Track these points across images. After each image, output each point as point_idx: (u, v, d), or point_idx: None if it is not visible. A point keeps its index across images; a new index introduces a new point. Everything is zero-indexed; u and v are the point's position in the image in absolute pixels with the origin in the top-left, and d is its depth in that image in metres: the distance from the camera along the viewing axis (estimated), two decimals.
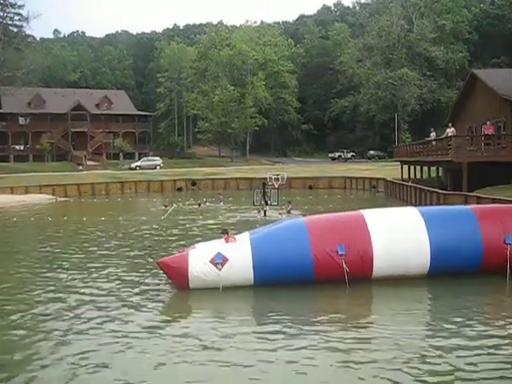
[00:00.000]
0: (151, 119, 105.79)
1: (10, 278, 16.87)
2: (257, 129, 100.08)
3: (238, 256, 14.79)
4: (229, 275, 14.56)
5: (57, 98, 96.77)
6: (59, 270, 17.77)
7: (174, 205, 40.01)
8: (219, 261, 14.59)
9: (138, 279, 16.17)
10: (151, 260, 18.93)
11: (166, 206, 40.30)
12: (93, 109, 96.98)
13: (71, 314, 12.80)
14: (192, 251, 15.30)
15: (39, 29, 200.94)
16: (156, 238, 24.84)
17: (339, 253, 14.68)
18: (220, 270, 14.51)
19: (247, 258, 14.77)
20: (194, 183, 63.63)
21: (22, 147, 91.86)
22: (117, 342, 10.91)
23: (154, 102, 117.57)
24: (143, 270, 17.44)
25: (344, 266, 14.51)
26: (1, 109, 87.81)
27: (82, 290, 14.89)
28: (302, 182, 62.30)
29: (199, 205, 40.42)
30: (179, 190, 61.99)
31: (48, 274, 17.21)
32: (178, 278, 14.76)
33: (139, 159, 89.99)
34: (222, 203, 40.97)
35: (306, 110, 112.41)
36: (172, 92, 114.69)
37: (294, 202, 35.16)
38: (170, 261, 15.11)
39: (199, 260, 14.74)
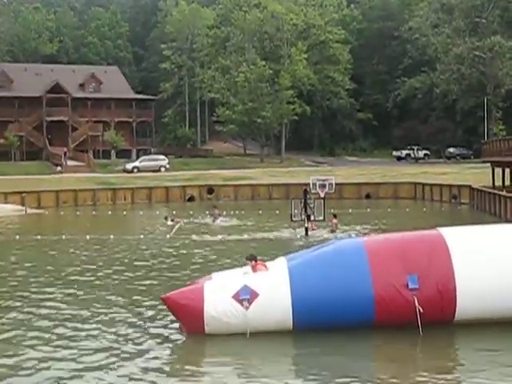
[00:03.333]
0: (154, 105, 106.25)
1: None
2: (296, 118, 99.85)
3: (271, 290, 14.63)
4: (259, 316, 14.40)
5: (28, 77, 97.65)
6: (29, 316, 17.82)
7: (181, 221, 39.95)
8: (246, 297, 14.43)
9: (133, 322, 16.10)
10: (151, 297, 18.87)
11: (166, 219, 40.36)
12: (76, 91, 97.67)
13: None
14: (208, 283, 15.17)
15: None
16: (158, 266, 24.80)
17: (410, 287, 14.46)
18: (247, 308, 14.37)
19: (284, 294, 14.60)
20: (210, 191, 63.70)
21: None
22: None
23: (157, 82, 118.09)
24: (139, 310, 17.38)
25: (416, 304, 14.28)
26: None
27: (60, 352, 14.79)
28: (356, 190, 62.07)
29: (170, 220, 40.16)
30: (191, 199, 62.13)
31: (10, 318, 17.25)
32: (190, 319, 14.63)
33: (137, 158, 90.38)
34: (218, 221, 40.58)
35: (363, 94, 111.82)
36: (181, 69, 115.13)
37: (343, 217, 35.01)
38: (178, 296, 14.97)
39: (218, 295, 14.61)
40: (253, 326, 14.32)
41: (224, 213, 43.30)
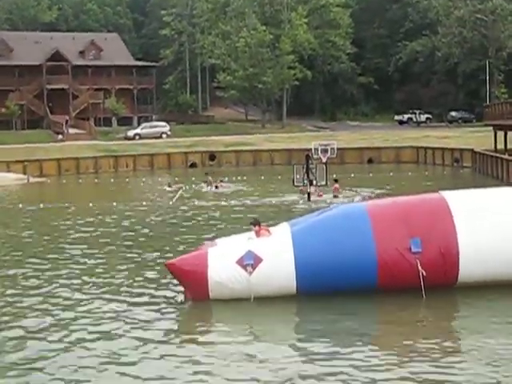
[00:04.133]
0: (154, 72, 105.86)
1: None
2: (297, 83, 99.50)
3: (274, 255, 14.68)
4: (262, 281, 14.47)
5: (27, 45, 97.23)
6: (39, 277, 17.93)
7: (182, 187, 40.06)
8: (249, 262, 14.47)
9: (141, 290, 16.19)
10: (157, 263, 18.97)
11: (170, 187, 40.67)
12: (76, 58, 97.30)
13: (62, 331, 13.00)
14: (212, 249, 15.21)
15: None
16: (162, 232, 24.90)
17: (412, 250, 14.50)
18: (250, 274, 14.45)
19: (287, 259, 14.65)
20: (212, 157, 63.72)
21: None
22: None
23: (157, 49, 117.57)
24: (144, 276, 17.48)
25: (419, 267, 14.33)
26: None
27: (72, 306, 14.92)
28: (358, 155, 62.12)
29: (169, 186, 40.98)
30: (193, 165, 62.19)
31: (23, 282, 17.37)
32: (194, 285, 14.68)
33: (138, 125, 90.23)
34: (210, 187, 40.57)
35: (364, 58, 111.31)
36: (182, 35, 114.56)
37: (345, 182, 35.02)
38: (182, 262, 15.00)
39: (222, 261, 14.65)
40: (256, 291, 14.38)
41: (226, 179, 43.31)
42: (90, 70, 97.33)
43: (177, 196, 35.76)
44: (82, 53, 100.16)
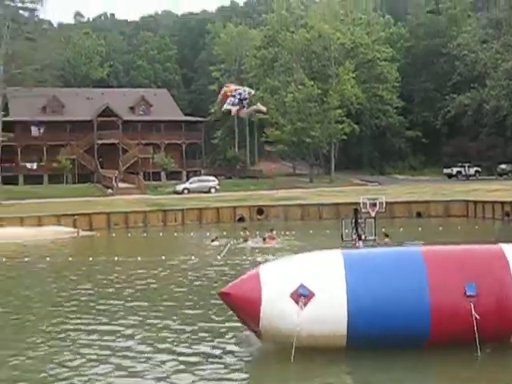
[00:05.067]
0: (203, 127, 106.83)
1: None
2: (345, 137, 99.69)
3: (327, 291, 14.26)
4: (313, 318, 14.03)
5: (79, 101, 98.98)
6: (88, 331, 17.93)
7: (230, 242, 39.99)
8: (303, 295, 14.07)
9: (202, 345, 16.08)
10: (208, 317, 18.86)
11: (213, 241, 40.72)
12: (126, 114, 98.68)
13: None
14: (266, 277, 14.63)
15: (57, 12, 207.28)
16: (211, 287, 24.79)
17: (467, 293, 14.19)
18: (302, 308, 14.00)
19: (340, 295, 14.26)
20: (260, 211, 63.59)
21: (34, 165, 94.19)
22: None
23: (206, 104, 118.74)
24: (198, 334, 17.39)
25: (473, 311, 14.01)
26: (8, 116, 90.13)
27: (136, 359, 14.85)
28: (406, 208, 61.58)
29: (211, 240, 40.96)
30: (241, 220, 62.06)
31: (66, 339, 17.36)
32: (247, 315, 14.41)
33: (187, 180, 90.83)
34: (249, 243, 40.40)
35: (412, 112, 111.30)
36: None
37: (394, 236, 34.67)
38: (236, 291, 14.50)
39: (276, 292, 14.23)
40: (306, 327, 14.07)
41: (274, 232, 43.15)
42: (140, 125, 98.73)
43: (225, 250, 35.65)
44: (132, 108, 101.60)
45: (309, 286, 14.23)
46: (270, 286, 14.36)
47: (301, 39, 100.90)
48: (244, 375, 13.83)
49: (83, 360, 14.82)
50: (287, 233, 45.81)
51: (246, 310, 14.41)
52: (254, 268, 15.96)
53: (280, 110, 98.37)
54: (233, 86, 16.10)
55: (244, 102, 16.12)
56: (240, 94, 15.97)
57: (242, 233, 42.44)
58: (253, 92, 16.67)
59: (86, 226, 55.93)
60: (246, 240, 40.80)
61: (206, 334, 16.74)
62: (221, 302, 15.52)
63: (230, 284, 15.13)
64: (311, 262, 15.24)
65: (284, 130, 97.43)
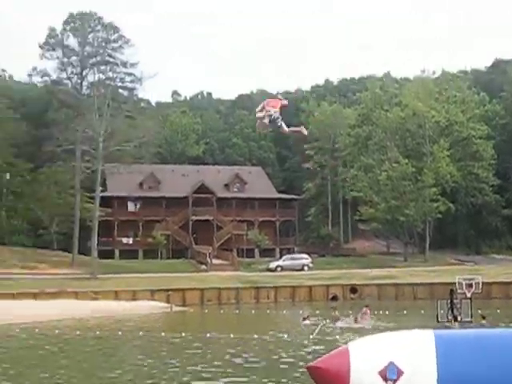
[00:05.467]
0: (297, 204, 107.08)
1: None
2: (439, 216, 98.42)
3: (416, 370, 13.90)
4: None
5: (175, 178, 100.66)
6: None
7: (322, 321, 39.56)
8: (392, 376, 13.81)
9: None
10: None
11: (305, 319, 40.39)
12: (221, 191, 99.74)
13: None
14: (355, 352, 14.34)
15: (155, 91, 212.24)
16: (300, 367, 24.49)
17: None
18: None
19: (430, 373, 13.89)
20: (354, 290, 63.06)
21: (130, 240, 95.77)
22: None
23: (300, 182, 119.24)
24: None
25: None
26: (106, 191, 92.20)
27: None
28: (504, 290, 60.17)
29: (303, 319, 40.51)
30: (334, 299, 61.58)
31: None
32: None
33: (280, 257, 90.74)
34: (338, 323, 39.75)
35: (508, 190, 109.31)
36: (324, 168, 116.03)
37: (492, 318, 33.80)
38: (324, 367, 14.26)
39: (365, 369, 13.90)
40: None
41: (367, 310, 42.51)
42: (235, 202, 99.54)
43: (317, 330, 35.27)
44: (226, 185, 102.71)
45: (398, 365, 13.93)
46: (360, 361, 14.07)
47: (395, 117, 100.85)
48: None
49: None
50: (380, 312, 45.15)
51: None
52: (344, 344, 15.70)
53: (374, 188, 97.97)
54: (268, 105, 15.94)
55: (277, 121, 16.02)
56: (270, 115, 15.91)
57: (332, 313, 42.02)
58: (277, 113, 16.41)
59: (180, 302, 56.42)
60: (335, 320, 40.38)
61: None
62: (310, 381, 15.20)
63: (319, 359, 14.88)
64: (402, 341, 14.90)
65: (378, 208, 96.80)
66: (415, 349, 14.47)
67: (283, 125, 16.41)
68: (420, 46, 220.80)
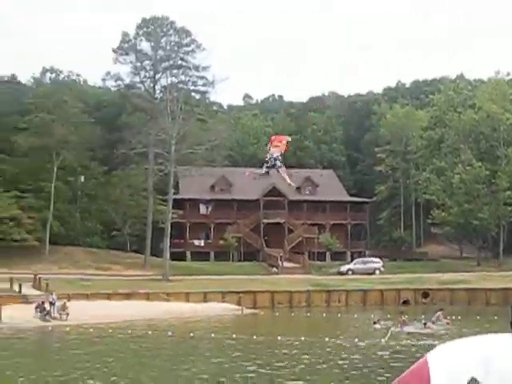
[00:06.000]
0: (368, 207, 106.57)
1: None
2: None
3: None
4: None
5: (246, 181, 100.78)
6: None
7: (393, 326, 39.40)
8: None
9: None
10: None
11: (375, 323, 40.31)
12: (292, 194, 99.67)
13: None
14: (434, 364, 14.04)
15: (227, 94, 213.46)
16: (374, 370, 24.53)
17: None
18: None
19: None
20: (426, 294, 62.53)
21: (201, 242, 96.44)
22: None
23: (371, 185, 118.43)
24: None
25: None
26: (178, 194, 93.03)
27: None
28: None
29: (374, 322, 40.37)
30: (405, 303, 61.18)
31: None
32: None
33: (352, 261, 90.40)
34: (405, 328, 39.41)
35: None
36: (396, 171, 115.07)
37: None
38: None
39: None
40: None
41: (422, 317, 42.10)
42: (306, 205, 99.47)
43: (388, 334, 35.19)
44: (298, 188, 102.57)
45: (478, 376, 13.67)
46: (440, 380, 13.75)
47: (468, 120, 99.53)
48: None
49: None
50: (453, 317, 44.75)
51: None
52: (421, 357, 15.41)
53: (447, 192, 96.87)
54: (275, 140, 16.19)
55: (277, 162, 16.19)
56: (273, 158, 16.08)
57: (400, 318, 41.66)
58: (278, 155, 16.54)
59: (250, 304, 56.69)
60: (403, 325, 40.15)
61: None
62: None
63: (398, 378, 14.66)
64: (482, 349, 14.69)
65: (451, 212, 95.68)
66: (499, 357, 14.20)
67: (283, 167, 16.99)
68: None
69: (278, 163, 16.54)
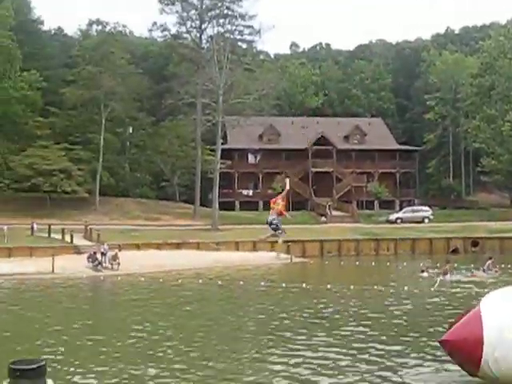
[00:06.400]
0: (417, 156, 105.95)
1: None
2: None
3: None
4: None
5: (294, 130, 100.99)
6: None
7: (440, 277, 39.39)
8: None
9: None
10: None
11: (423, 272, 40.43)
12: (340, 143, 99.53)
13: None
14: (488, 321, 13.96)
15: (274, 43, 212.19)
16: (423, 319, 24.70)
17: None
18: None
19: None
20: (475, 243, 62.26)
21: (250, 192, 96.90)
22: None
23: (420, 133, 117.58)
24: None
25: None
26: (226, 144, 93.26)
27: None
28: None
29: (422, 271, 40.39)
30: (454, 251, 61.04)
31: None
32: (466, 362, 14.14)
33: (400, 209, 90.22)
34: (447, 276, 39.32)
35: None
36: (446, 119, 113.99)
37: None
38: (456, 338, 14.12)
39: (499, 338, 13.67)
40: None
41: (472, 266, 41.96)
42: (354, 154, 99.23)
43: (437, 283, 35.25)
44: (346, 137, 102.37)
45: None
46: (492, 330, 13.74)
47: None
48: None
49: None
50: (502, 266, 44.61)
51: (466, 357, 14.05)
52: (472, 306, 15.30)
53: (497, 139, 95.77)
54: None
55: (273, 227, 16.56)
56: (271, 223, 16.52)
57: (445, 266, 41.57)
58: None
59: (299, 253, 57.05)
60: (445, 273, 40.13)
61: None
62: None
63: (451, 330, 14.67)
64: None
65: (501, 160, 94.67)
66: None
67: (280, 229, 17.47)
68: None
69: (274, 226, 17.35)
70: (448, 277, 39.19)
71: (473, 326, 13.82)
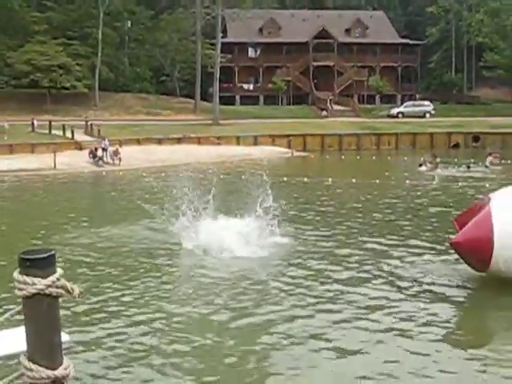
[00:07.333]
0: (419, 50, 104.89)
1: None
2: None
3: None
4: None
5: (295, 23, 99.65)
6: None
7: (438, 170, 39.55)
8: None
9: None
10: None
11: (421, 166, 40.60)
12: (341, 36, 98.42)
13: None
14: (498, 219, 13.84)
15: None
16: (431, 211, 24.86)
17: None
18: None
19: None
20: (476, 138, 62.28)
21: (250, 86, 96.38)
22: None
23: (423, 27, 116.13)
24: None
25: None
26: (226, 37, 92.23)
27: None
28: None
29: (420, 165, 40.57)
30: (455, 146, 61.14)
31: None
32: (477, 262, 14.22)
33: (402, 104, 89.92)
34: (438, 170, 39.59)
35: None
36: (449, 12, 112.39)
37: None
38: (466, 240, 13.98)
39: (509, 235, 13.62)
40: None
41: (471, 160, 42.06)
42: (355, 47, 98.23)
43: (436, 178, 35.42)
44: (347, 31, 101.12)
45: None
46: (503, 230, 13.64)
47: None
48: None
49: None
50: (503, 161, 44.71)
51: (477, 257, 14.06)
52: (482, 206, 14.94)
53: (500, 34, 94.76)
54: None
55: None
56: None
57: (434, 159, 41.70)
58: None
59: (300, 147, 57.20)
60: (435, 167, 40.36)
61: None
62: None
63: (462, 230, 14.49)
64: None
65: (503, 55, 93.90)
66: None
67: None
68: None
69: None
70: (439, 171, 39.43)
71: (483, 227, 13.82)
